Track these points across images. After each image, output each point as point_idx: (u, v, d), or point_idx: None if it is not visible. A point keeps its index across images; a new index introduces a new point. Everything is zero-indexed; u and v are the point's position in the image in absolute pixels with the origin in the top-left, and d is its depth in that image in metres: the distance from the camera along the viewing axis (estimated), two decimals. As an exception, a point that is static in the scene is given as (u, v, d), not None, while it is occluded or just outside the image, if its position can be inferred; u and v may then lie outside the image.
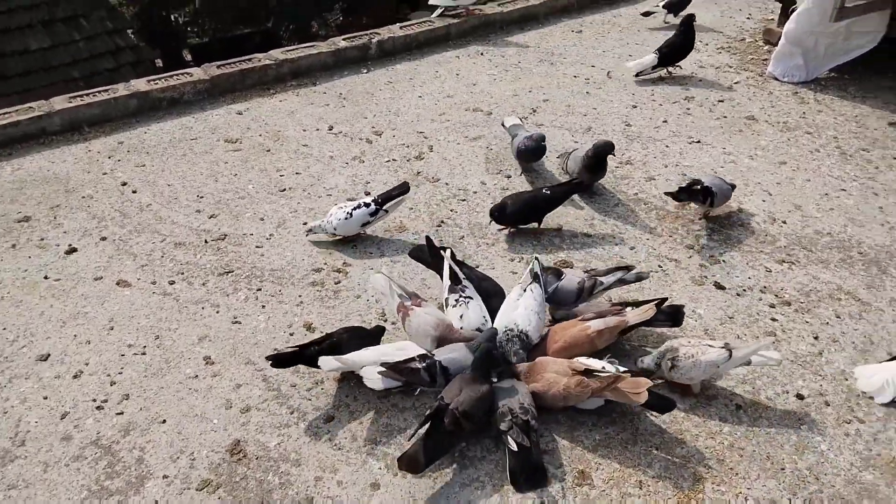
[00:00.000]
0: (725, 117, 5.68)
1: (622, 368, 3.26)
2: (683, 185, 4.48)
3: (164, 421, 3.21)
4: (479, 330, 3.44)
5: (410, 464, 2.92)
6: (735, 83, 6.16)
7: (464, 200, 4.66)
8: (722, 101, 5.90)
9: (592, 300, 3.71)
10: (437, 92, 5.98)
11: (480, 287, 3.67)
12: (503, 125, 5.06)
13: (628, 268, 3.80)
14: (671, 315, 3.59)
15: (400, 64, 6.41)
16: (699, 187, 4.37)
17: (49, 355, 3.52)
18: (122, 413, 3.24)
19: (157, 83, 5.53)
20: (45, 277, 3.99)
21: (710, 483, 2.98)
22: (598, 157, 4.56)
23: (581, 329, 3.40)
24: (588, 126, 5.53)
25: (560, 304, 3.67)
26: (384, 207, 4.18)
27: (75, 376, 3.41)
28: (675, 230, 4.45)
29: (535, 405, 3.13)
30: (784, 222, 4.54)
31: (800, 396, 3.38)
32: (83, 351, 3.55)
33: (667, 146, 5.29)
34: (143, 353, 3.55)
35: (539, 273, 3.62)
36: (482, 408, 3.03)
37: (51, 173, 4.85)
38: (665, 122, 5.59)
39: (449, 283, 3.60)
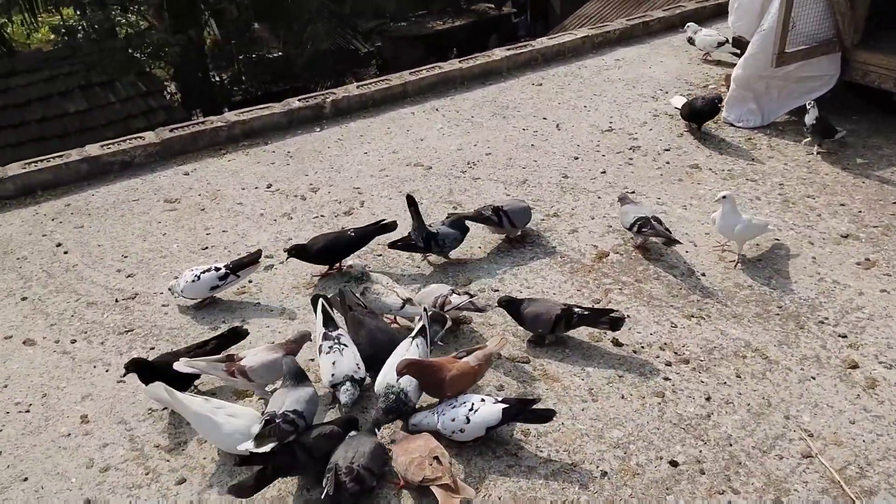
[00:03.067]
0: (668, 164, 5.56)
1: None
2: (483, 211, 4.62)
3: (27, 479, 3.26)
4: (350, 377, 3.45)
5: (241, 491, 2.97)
6: (686, 131, 6.03)
7: (380, 255, 4.67)
8: (668, 149, 5.78)
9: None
10: (384, 148, 6.05)
11: (374, 338, 3.70)
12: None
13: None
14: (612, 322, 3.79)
15: (354, 122, 6.52)
16: (492, 210, 4.54)
17: (-58, 415, 3.66)
18: (-9, 473, 3.32)
19: (109, 147, 5.78)
20: (-42, 337, 4.18)
21: (549, 555, 2.84)
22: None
23: (465, 363, 3.41)
24: (524, 179, 5.48)
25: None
26: (237, 273, 4.24)
27: (-38, 433, 3.53)
28: (586, 284, 4.34)
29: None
30: (703, 274, 4.37)
31: (673, 463, 3.20)
32: (-28, 409, 3.67)
33: (598, 197, 5.19)
34: (27, 411, 3.64)
35: (426, 325, 3.62)
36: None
37: (-7, 235, 5.11)
38: (603, 172, 5.50)
39: (323, 329, 3.64)
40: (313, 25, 16.71)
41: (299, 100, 6.51)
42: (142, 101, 12.46)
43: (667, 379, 3.65)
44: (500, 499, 3.06)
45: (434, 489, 2.96)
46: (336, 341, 3.56)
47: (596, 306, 3.92)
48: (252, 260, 4.32)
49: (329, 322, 3.67)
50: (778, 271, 4.36)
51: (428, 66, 7.04)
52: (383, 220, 4.61)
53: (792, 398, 3.49)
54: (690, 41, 7.37)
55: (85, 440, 3.46)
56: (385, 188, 5.46)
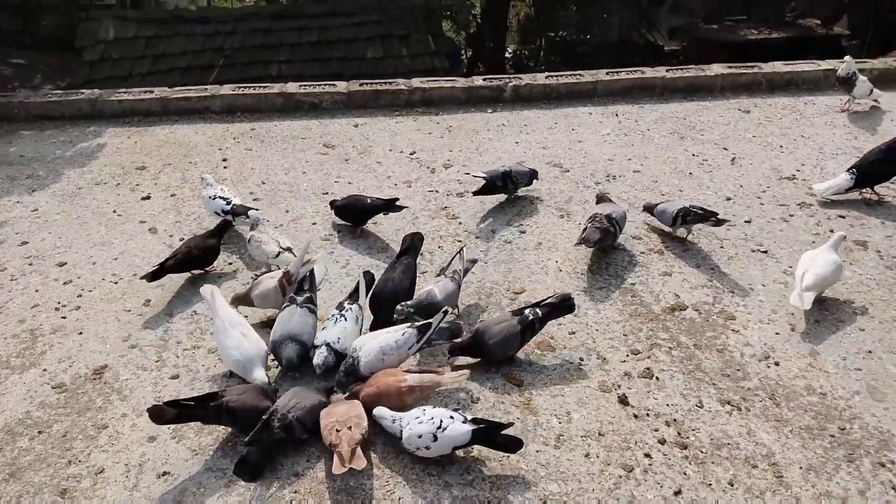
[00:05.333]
0: (830, 233, 4.65)
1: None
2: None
3: (81, 333, 4.02)
4: (328, 344, 3.63)
5: (154, 415, 3.21)
6: (880, 201, 4.95)
7: (459, 241, 4.70)
8: (843, 217, 4.83)
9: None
10: (536, 142, 5.93)
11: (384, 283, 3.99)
12: None
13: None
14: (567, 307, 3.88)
15: (527, 111, 6.46)
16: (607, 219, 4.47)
17: (66, 263, 4.61)
18: (65, 317, 4.14)
19: (305, 88, 6.52)
20: (114, 212, 5.15)
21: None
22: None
23: (397, 380, 3.37)
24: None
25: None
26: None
27: (65, 283, 4.43)
28: (637, 331, 3.92)
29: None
30: (777, 363, 3.69)
31: (586, 540, 2.87)
32: (86, 268, 4.56)
33: (721, 247, 4.56)
34: (116, 283, 4.43)
35: (433, 324, 3.63)
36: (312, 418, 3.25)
37: (186, 140, 6.11)
38: (748, 222, 4.80)
39: (346, 299, 3.87)
40: (609, 15, 16.49)
41: (483, 79, 6.64)
42: (429, 59, 13.53)
43: (647, 456, 3.22)
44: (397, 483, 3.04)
45: (334, 453, 3.07)
46: (340, 312, 3.78)
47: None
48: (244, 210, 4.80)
49: (352, 296, 3.89)
50: (873, 389, 3.51)
51: (629, 69, 6.66)
52: (397, 198, 4.82)
53: (777, 534, 2.88)
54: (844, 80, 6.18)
55: (136, 319, 4.13)
56: (510, 181, 5.40)
